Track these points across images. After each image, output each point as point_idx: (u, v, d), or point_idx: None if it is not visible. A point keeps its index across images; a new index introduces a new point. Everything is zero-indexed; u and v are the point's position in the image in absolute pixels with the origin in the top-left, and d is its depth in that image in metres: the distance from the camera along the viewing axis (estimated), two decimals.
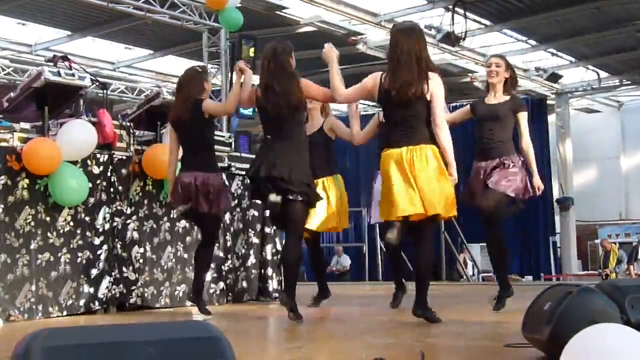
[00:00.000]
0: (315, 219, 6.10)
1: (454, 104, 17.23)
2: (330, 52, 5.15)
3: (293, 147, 5.13)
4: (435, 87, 4.71)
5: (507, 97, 5.79)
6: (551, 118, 19.47)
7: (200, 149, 5.77)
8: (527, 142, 5.74)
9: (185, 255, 6.75)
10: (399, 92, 4.69)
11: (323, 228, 6.39)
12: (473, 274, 15.62)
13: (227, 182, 6.71)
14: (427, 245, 4.88)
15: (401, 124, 4.76)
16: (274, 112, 5.15)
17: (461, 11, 13.30)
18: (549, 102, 19.33)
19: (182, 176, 5.72)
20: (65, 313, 5.84)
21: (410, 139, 4.70)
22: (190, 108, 5.66)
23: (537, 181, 5.72)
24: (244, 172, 6.89)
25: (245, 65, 5.59)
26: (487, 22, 14.73)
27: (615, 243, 19.31)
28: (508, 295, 5.70)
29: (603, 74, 18.45)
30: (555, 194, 18.98)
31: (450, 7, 13.30)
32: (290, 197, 5.05)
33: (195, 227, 6.89)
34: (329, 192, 6.29)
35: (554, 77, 17.42)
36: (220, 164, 7.04)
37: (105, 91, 6.57)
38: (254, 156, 5.95)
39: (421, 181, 4.62)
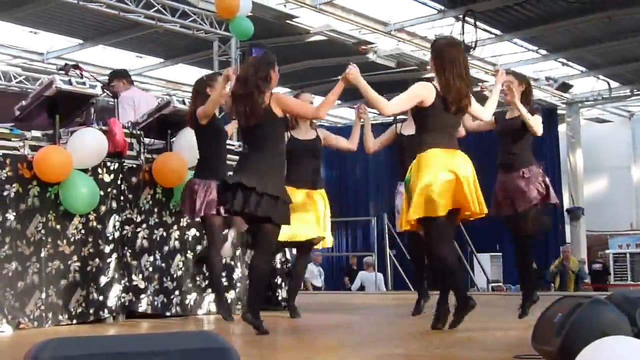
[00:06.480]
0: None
1: None
2: (356, 72, 4.91)
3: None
4: (474, 101, 5.22)
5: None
6: (562, 128, 19.42)
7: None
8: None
9: None
10: (454, 101, 5.00)
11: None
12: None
13: None
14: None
15: (447, 130, 5.05)
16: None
17: (471, 21, 13.29)
18: (559, 111, 19.29)
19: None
20: (74, 321, 5.86)
21: (454, 144, 5.06)
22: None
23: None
24: None
25: (233, 73, 5.53)
26: (498, 32, 14.73)
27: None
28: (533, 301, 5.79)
29: (614, 84, 18.40)
30: (566, 203, 18.90)
31: (461, 16, 13.30)
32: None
33: (205, 236, 6.89)
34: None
35: (565, 87, 17.38)
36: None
37: (116, 99, 6.61)
38: None
39: (468, 182, 4.92)
